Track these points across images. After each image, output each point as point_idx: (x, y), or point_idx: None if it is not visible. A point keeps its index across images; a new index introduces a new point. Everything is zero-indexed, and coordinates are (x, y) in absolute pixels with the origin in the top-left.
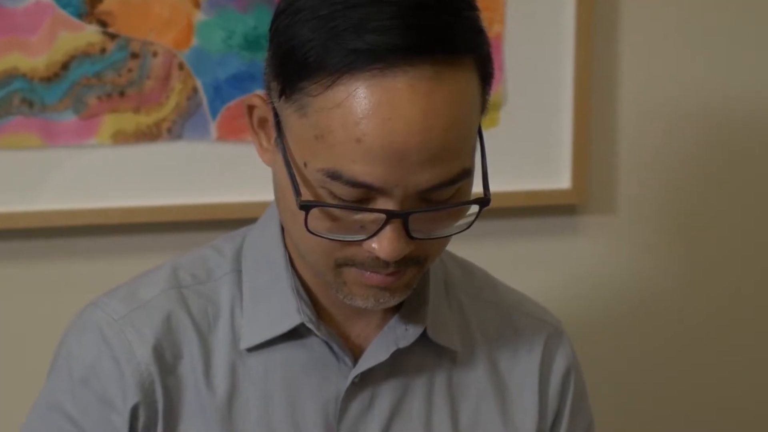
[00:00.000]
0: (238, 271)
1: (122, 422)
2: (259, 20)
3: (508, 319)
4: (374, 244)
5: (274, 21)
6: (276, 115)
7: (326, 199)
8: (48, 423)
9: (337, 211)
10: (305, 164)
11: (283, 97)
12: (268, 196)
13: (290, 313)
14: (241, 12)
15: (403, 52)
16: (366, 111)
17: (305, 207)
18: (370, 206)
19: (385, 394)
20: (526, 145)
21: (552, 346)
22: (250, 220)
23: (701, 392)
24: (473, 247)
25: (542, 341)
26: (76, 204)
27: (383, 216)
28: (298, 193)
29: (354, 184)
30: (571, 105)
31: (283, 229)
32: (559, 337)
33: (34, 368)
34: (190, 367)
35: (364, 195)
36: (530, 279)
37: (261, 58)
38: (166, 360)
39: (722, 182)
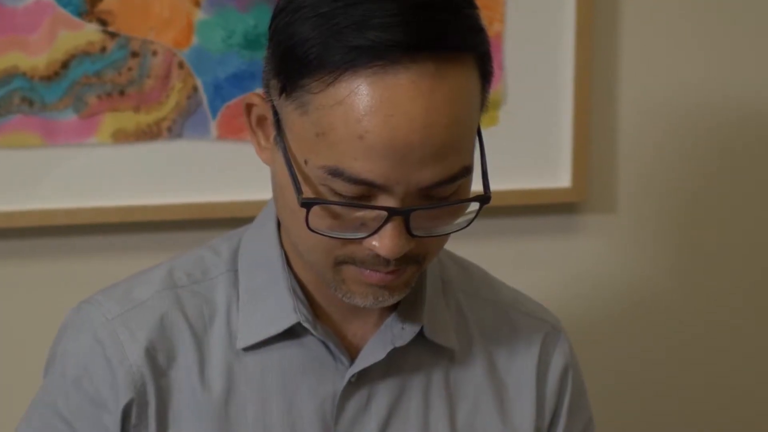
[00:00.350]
0: (235, 271)
1: (114, 423)
2: (259, 19)
3: (505, 317)
4: (375, 242)
5: (273, 19)
6: (275, 114)
7: (327, 197)
8: (42, 422)
9: (337, 209)
10: (306, 162)
11: (284, 95)
12: (268, 195)
13: (287, 312)
14: (241, 11)
15: (405, 49)
16: (368, 108)
17: (306, 204)
18: (371, 203)
19: (382, 393)
20: (526, 144)
21: (549, 345)
22: (249, 219)
23: (701, 391)
24: (473, 246)
25: (540, 339)
26: (77, 203)
27: (384, 213)
28: (299, 190)
29: (355, 181)
30: (571, 104)
31: (279, 229)
32: (557, 336)
33: (33, 367)
34: (184, 368)
35: (365, 192)
36: (530, 277)
37: (261, 57)
38: (158, 362)
39: (722, 181)
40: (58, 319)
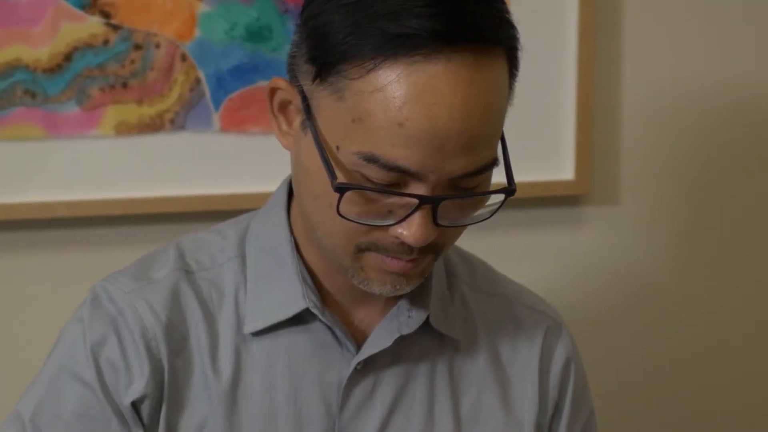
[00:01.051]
0: (242, 257)
1: (126, 391)
2: (261, 11)
3: (508, 310)
4: (401, 230)
5: (307, 5)
6: (305, 99)
7: (359, 183)
8: (56, 386)
9: (368, 195)
10: (338, 147)
11: (318, 80)
12: (271, 186)
13: (295, 298)
14: (243, 3)
15: (446, 39)
16: (409, 96)
17: (341, 189)
18: (402, 191)
19: (388, 381)
20: (529, 137)
21: (551, 339)
22: (247, 211)
23: (704, 381)
24: (477, 238)
25: (542, 333)
26: (79, 195)
27: (414, 201)
28: (333, 175)
29: (391, 168)
30: (574, 97)
31: (289, 215)
32: (559, 329)
33: (33, 359)
34: (196, 349)
35: (398, 180)
36: (533, 270)
37: (263, 50)
38: (175, 339)
39: (724, 173)
40: (59, 312)
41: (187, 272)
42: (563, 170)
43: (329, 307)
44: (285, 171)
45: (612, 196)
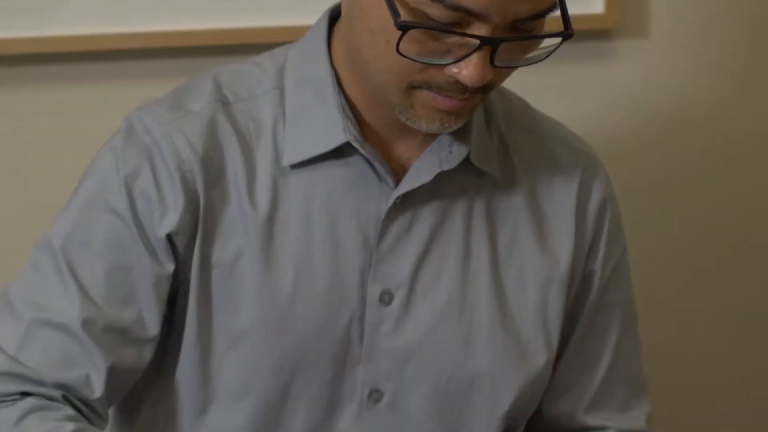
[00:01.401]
0: (281, 89)
1: (160, 221)
2: None
3: (546, 148)
4: (458, 69)
5: None
6: None
7: (421, 21)
8: (88, 216)
9: (429, 34)
10: None
11: None
12: (292, 20)
13: (336, 131)
14: None
15: None
16: None
17: (404, 27)
18: (463, 31)
19: (426, 216)
20: None
21: (588, 178)
22: (270, 45)
23: (732, 205)
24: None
25: (579, 173)
26: (99, 29)
27: (475, 42)
28: (396, 13)
29: (456, 8)
30: None
31: (329, 48)
32: (595, 168)
33: (59, 195)
34: (233, 180)
35: (459, 19)
36: (563, 105)
37: None
38: (211, 171)
39: (758, 5)
40: (81, 145)
41: (224, 104)
42: (593, 3)
43: (369, 141)
44: (307, 5)
45: (642, 29)
